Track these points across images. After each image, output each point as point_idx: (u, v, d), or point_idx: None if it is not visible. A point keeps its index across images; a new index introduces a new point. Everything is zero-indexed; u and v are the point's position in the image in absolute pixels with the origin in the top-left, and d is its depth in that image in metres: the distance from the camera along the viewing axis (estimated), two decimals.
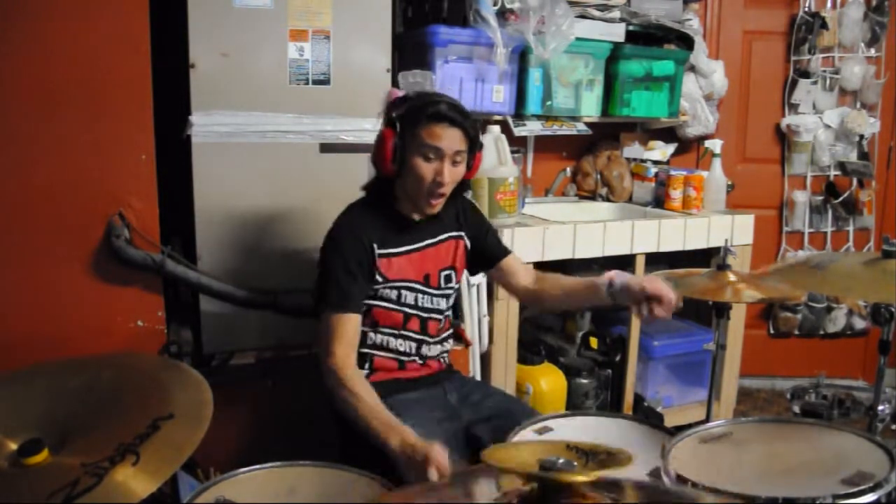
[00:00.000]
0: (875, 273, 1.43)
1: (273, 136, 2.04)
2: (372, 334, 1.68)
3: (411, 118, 1.58)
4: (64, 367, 1.25)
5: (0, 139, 1.80)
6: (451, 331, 1.84)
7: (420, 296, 1.69)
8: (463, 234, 1.78)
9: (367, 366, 1.70)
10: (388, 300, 1.66)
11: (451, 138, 1.58)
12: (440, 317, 1.75)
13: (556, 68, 2.61)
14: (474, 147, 1.65)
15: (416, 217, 1.70)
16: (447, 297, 1.76)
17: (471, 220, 1.81)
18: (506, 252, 1.85)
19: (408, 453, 1.33)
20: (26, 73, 1.80)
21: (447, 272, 1.74)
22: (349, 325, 1.58)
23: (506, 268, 1.84)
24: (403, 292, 1.67)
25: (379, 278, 1.63)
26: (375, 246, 1.63)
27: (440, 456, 1.27)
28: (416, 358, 1.73)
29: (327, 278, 1.61)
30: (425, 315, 1.71)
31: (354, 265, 1.59)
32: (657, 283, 1.57)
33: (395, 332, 1.69)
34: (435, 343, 1.76)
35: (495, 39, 2.38)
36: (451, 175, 1.61)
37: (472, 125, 1.62)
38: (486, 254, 1.83)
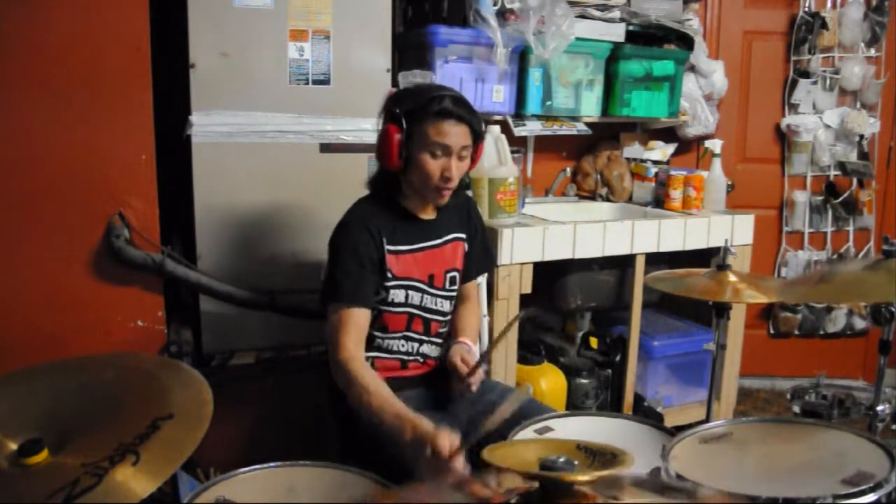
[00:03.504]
0: (880, 276, 1.42)
1: (273, 136, 2.04)
2: (379, 339, 1.67)
3: (417, 114, 1.55)
4: (64, 367, 1.25)
5: (0, 139, 1.80)
6: (447, 329, 1.81)
7: (424, 296, 1.69)
8: (465, 235, 1.77)
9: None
10: (398, 304, 1.64)
11: (458, 135, 1.57)
12: (443, 318, 1.74)
13: (556, 68, 2.61)
14: (478, 140, 1.65)
15: (423, 216, 1.69)
16: (450, 299, 1.75)
17: (474, 222, 1.80)
18: (476, 274, 1.85)
19: (417, 446, 1.29)
20: (27, 74, 1.80)
21: (452, 274, 1.73)
22: (359, 319, 1.55)
23: (463, 292, 1.82)
24: (410, 292, 1.66)
25: (388, 275, 1.62)
26: (385, 240, 1.61)
27: (444, 442, 1.23)
28: (419, 357, 1.73)
29: (338, 271, 1.57)
30: (428, 315, 1.70)
31: (366, 259, 1.58)
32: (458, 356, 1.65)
33: (400, 334, 1.68)
34: (436, 343, 1.76)
35: (495, 39, 2.38)
36: (458, 170, 1.60)
37: (477, 120, 1.61)
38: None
